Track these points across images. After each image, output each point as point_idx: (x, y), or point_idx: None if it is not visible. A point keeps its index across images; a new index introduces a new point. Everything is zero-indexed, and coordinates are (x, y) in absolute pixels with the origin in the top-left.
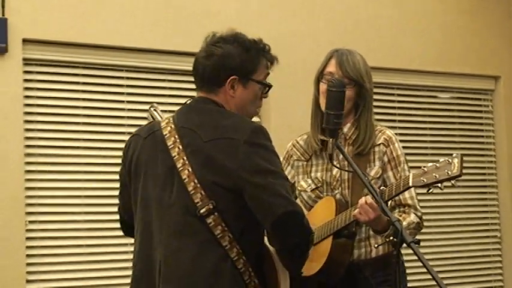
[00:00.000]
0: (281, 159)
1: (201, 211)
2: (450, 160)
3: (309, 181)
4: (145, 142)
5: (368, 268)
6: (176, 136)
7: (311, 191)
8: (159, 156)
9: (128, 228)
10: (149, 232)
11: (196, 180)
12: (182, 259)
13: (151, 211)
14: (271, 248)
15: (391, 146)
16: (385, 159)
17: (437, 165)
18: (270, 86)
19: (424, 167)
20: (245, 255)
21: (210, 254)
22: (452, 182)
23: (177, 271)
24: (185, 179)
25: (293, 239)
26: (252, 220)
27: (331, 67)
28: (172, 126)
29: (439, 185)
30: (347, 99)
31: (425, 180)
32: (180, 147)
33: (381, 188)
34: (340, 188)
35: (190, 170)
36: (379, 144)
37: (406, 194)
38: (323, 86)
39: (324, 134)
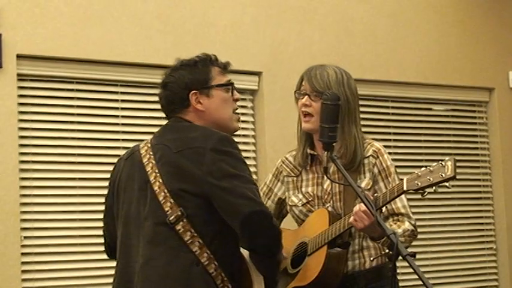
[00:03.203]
0: (270, 175)
1: (170, 219)
2: (443, 163)
3: (300, 196)
4: (126, 163)
5: (362, 279)
6: (151, 153)
7: (302, 205)
8: (136, 173)
9: (111, 251)
10: (128, 246)
11: (166, 190)
12: (155, 267)
13: (130, 226)
14: (245, 253)
15: (381, 158)
16: (375, 170)
17: (431, 168)
18: (231, 84)
19: (418, 171)
20: (217, 260)
21: (180, 259)
22: (447, 184)
23: (150, 279)
24: (156, 190)
25: (262, 238)
26: (222, 225)
27: (303, 83)
28: (149, 145)
29: (434, 188)
30: (318, 112)
31: (419, 183)
32: (153, 162)
33: (375, 194)
34: (331, 201)
35: (161, 181)
36: (368, 157)
37: (399, 203)
38: (299, 102)
39: (312, 148)
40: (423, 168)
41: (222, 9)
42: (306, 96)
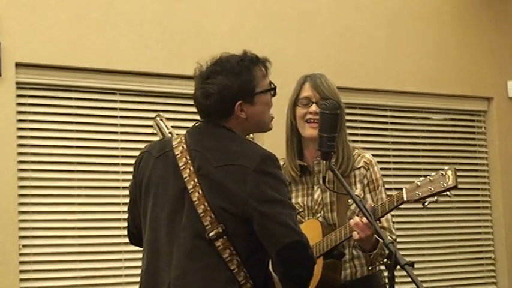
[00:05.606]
0: None
1: (210, 234)
2: (444, 172)
3: None
4: (157, 162)
5: None
6: (188, 157)
7: None
8: (170, 177)
9: (135, 239)
10: (156, 253)
11: (206, 203)
12: (192, 281)
13: (160, 232)
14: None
15: (371, 169)
16: (365, 181)
17: (431, 178)
18: (274, 88)
19: (417, 181)
20: (252, 279)
21: (219, 277)
22: (448, 193)
23: None
24: (195, 201)
25: (297, 268)
26: (259, 244)
27: (307, 91)
28: (184, 146)
29: (435, 198)
30: None
31: (420, 193)
32: (192, 168)
33: (373, 205)
34: (322, 212)
35: (200, 192)
36: (360, 168)
37: None
38: (300, 110)
39: (301, 158)
40: (422, 178)
41: (220, 18)
42: (314, 104)
